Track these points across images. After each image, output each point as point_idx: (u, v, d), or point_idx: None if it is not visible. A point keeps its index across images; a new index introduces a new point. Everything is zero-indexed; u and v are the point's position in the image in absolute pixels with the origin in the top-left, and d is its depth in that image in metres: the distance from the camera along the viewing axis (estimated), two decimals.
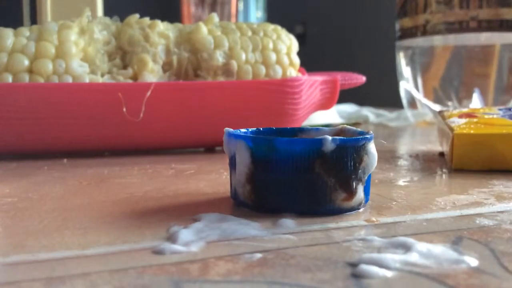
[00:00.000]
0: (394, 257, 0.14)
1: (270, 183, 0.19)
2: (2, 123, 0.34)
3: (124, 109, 0.34)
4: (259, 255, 0.14)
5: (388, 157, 0.34)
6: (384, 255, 0.14)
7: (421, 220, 0.18)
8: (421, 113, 0.66)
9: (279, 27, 0.42)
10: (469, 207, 0.20)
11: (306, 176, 0.18)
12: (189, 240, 0.16)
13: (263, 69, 0.38)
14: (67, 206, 0.21)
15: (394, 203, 0.21)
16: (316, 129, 0.23)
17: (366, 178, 0.19)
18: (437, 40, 0.63)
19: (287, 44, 0.41)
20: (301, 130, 0.23)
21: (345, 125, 0.22)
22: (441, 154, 0.35)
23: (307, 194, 0.18)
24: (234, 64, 0.37)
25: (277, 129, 0.23)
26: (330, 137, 0.18)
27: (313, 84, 0.40)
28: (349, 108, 0.73)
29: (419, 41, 0.64)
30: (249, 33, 0.39)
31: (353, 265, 0.14)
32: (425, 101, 0.65)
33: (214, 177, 0.27)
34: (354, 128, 0.22)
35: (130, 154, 0.35)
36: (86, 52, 0.37)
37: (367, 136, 0.19)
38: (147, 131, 0.35)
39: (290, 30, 0.43)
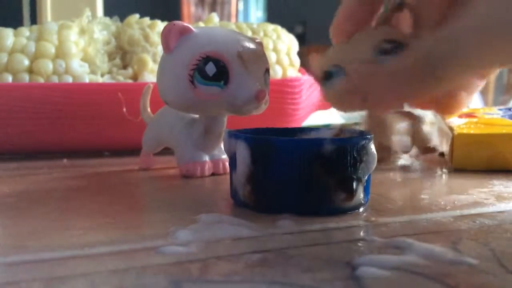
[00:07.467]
0: (394, 257, 0.14)
1: (270, 183, 0.19)
2: (2, 123, 0.34)
3: (124, 109, 0.34)
4: (259, 255, 0.14)
5: None
6: (384, 255, 0.14)
7: (421, 220, 0.18)
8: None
9: (279, 27, 0.42)
10: (469, 207, 0.20)
11: (306, 176, 0.18)
12: (189, 240, 0.16)
13: None
14: (67, 206, 0.21)
15: (394, 203, 0.21)
16: (316, 129, 0.23)
17: (366, 178, 0.19)
18: None
19: (287, 44, 0.41)
20: (301, 130, 0.23)
21: (345, 125, 0.22)
22: (441, 154, 0.35)
23: (307, 194, 0.18)
24: None
25: (277, 129, 0.23)
26: (330, 138, 0.18)
27: (313, 84, 0.40)
28: None
29: None
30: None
31: (353, 265, 0.14)
32: None
33: (214, 177, 0.27)
34: (354, 128, 0.22)
35: (130, 154, 0.35)
36: (86, 52, 0.37)
37: (367, 136, 0.19)
38: None
39: (290, 30, 0.43)
